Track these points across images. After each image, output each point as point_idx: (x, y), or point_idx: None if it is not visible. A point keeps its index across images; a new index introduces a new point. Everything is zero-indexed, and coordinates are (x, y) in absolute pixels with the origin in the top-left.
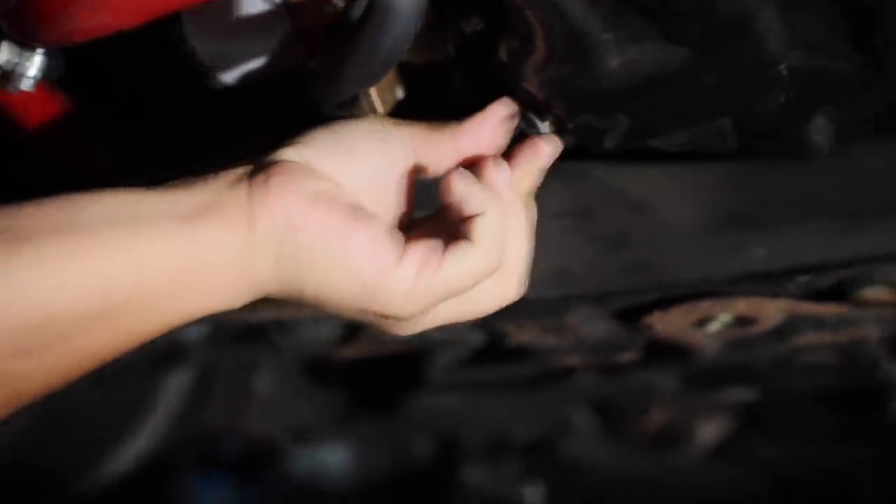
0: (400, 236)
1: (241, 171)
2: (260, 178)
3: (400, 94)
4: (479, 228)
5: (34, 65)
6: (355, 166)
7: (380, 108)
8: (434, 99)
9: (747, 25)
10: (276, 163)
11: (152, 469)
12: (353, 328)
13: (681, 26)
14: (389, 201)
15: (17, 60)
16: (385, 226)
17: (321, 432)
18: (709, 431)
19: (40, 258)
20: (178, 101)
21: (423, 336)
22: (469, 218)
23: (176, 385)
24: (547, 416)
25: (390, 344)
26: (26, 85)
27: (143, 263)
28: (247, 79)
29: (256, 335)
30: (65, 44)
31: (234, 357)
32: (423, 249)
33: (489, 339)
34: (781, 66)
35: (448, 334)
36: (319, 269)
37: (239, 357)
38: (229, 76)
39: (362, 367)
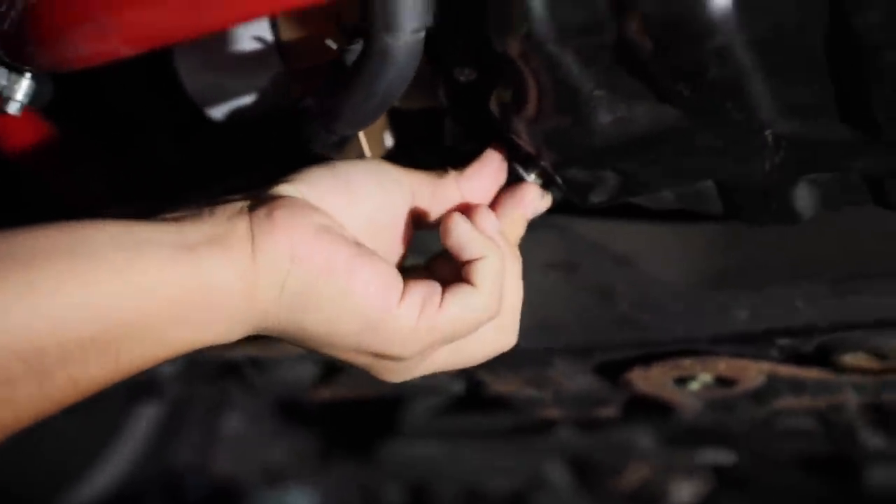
0: (399, 275)
1: (239, 204)
2: (262, 211)
3: (389, 140)
4: (481, 272)
5: (21, 89)
6: (353, 206)
7: (368, 152)
8: (422, 146)
9: (738, 90)
10: (276, 197)
11: (119, 502)
12: (331, 369)
13: (673, 87)
14: (385, 244)
15: (3, 83)
16: (387, 263)
17: (291, 475)
18: (685, 492)
19: (38, 283)
20: (169, 132)
21: (403, 381)
22: (469, 262)
23: (147, 419)
24: (523, 469)
25: (368, 387)
26: (13, 109)
27: (145, 290)
28: (236, 115)
29: (230, 372)
30: (59, 70)
31: (207, 394)
32: (424, 289)
33: (467, 387)
34: (767, 133)
35: (428, 381)
36: (323, 302)
37: (212, 394)
38: (218, 111)
39: (338, 410)
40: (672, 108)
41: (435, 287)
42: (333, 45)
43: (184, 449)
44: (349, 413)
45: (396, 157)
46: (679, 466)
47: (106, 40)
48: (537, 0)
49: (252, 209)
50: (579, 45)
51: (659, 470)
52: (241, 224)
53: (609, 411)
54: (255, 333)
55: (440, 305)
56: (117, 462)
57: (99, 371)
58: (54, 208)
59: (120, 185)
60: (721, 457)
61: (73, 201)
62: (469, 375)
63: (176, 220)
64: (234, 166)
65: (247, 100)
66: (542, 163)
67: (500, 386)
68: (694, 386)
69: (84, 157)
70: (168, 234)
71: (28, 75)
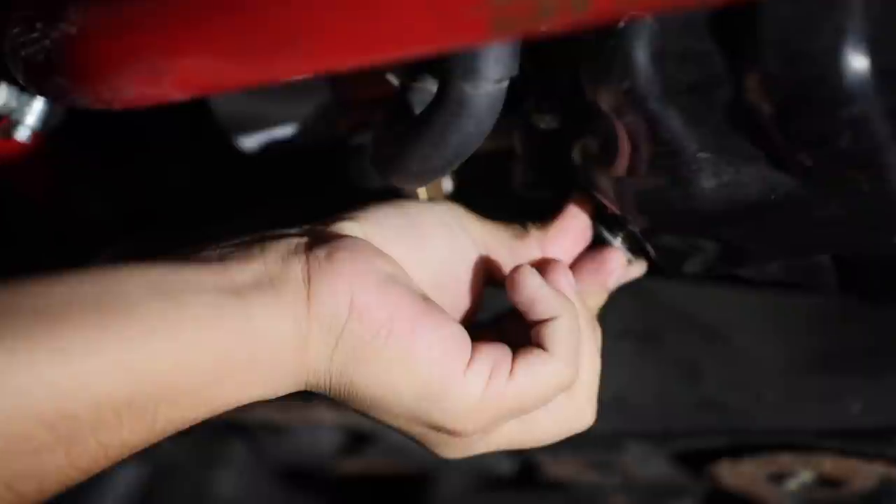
0: (468, 338)
1: (293, 241)
2: (320, 251)
3: (448, 185)
4: (555, 335)
5: (33, 113)
6: (422, 254)
7: (424, 195)
8: (485, 190)
9: (870, 161)
10: (336, 236)
11: None
12: (359, 439)
13: (793, 155)
14: (453, 300)
15: (14, 106)
16: (456, 323)
17: None
18: None
19: (67, 344)
20: (183, 153)
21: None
22: (541, 322)
23: (125, 482)
24: None
25: (404, 462)
26: (22, 135)
27: (185, 345)
28: (270, 146)
29: (234, 434)
30: (90, 108)
31: (200, 455)
32: (493, 355)
33: (519, 469)
34: None
35: (473, 457)
36: (379, 362)
37: (205, 455)
38: (250, 141)
39: (358, 482)
40: (789, 175)
41: (505, 352)
42: (395, 80)
43: None
44: (369, 486)
45: (456, 200)
46: None
47: (156, 84)
48: (642, 53)
49: (309, 248)
50: (686, 103)
51: None
52: (296, 266)
53: None
54: (301, 389)
55: (510, 374)
56: None
57: (132, 435)
58: (44, 235)
59: (122, 209)
60: None
61: (66, 227)
62: (523, 455)
63: (220, 257)
64: (262, 198)
65: (285, 130)
66: (629, 227)
67: (558, 469)
68: (792, 485)
69: (81, 175)
70: (211, 276)
71: (40, 97)
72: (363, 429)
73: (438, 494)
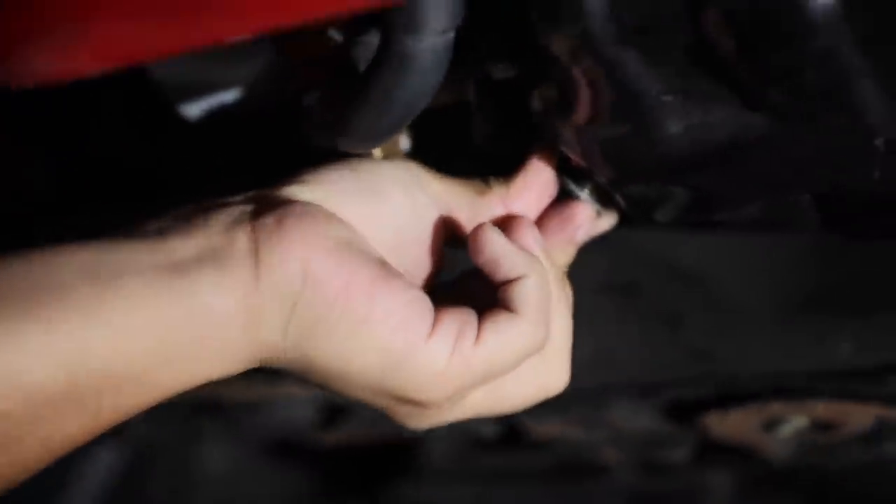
0: (430, 303)
1: (238, 210)
2: (268, 218)
3: (406, 143)
4: (522, 295)
5: None
6: (378, 216)
7: (379, 154)
8: (445, 146)
9: (842, 95)
10: (285, 201)
11: None
12: (337, 411)
13: (761, 92)
14: (412, 263)
15: None
16: (416, 289)
17: None
18: None
19: None
20: (130, 127)
21: None
22: (508, 283)
23: (106, 463)
24: None
25: (383, 431)
26: None
27: (123, 329)
28: (216, 113)
29: (213, 411)
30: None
31: (182, 433)
32: (458, 319)
33: (504, 431)
34: (878, 140)
35: (453, 424)
36: (337, 334)
37: (188, 432)
38: (194, 108)
39: (342, 452)
40: (760, 115)
41: (470, 316)
42: (338, 36)
43: (152, 496)
44: (354, 454)
45: (414, 158)
46: None
47: (69, 56)
48: None
49: (255, 216)
50: (644, 44)
51: None
52: (242, 235)
53: (678, 454)
54: (258, 365)
55: (477, 339)
56: None
57: (76, 428)
58: None
59: (70, 188)
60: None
61: (12, 209)
62: (504, 418)
63: (159, 231)
64: (214, 168)
65: (231, 95)
66: (596, 178)
67: (543, 429)
68: (785, 432)
69: (25, 156)
70: (149, 254)
71: None
72: (338, 401)
73: (426, 459)
